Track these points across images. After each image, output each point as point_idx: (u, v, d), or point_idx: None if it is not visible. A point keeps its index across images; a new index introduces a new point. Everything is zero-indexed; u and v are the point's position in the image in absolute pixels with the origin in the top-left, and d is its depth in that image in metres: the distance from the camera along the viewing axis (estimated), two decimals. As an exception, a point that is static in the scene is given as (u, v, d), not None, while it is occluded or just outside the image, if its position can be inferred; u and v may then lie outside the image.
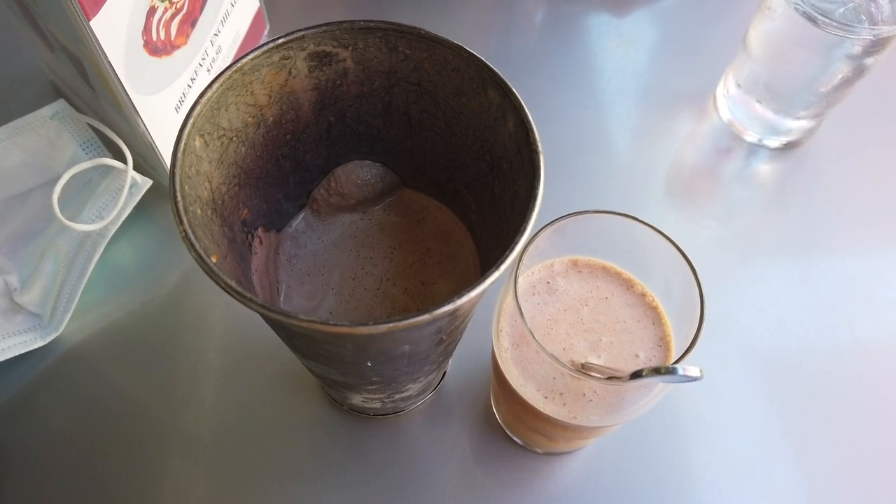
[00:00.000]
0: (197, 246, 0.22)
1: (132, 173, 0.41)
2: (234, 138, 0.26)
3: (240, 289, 0.21)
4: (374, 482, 0.38)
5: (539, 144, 0.24)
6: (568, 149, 0.49)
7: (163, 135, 0.40)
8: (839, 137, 0.49)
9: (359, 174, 0.32)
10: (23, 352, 0.39)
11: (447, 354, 0.32)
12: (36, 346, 0.39)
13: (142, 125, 0.38)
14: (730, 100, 0.49)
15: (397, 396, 0.34)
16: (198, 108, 0.24)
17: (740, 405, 0.40)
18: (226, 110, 0.25)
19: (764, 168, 0.49)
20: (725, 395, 0.40)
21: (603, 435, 0.37)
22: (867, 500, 0.38)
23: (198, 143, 0.24)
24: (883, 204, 0.47)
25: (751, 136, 0.49)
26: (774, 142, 0.48)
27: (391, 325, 0.20)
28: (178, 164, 0.23)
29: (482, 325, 0.39)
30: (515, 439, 0.39)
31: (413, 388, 0.34)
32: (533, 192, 0.23)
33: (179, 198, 0.23)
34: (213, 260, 0.23)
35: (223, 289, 0.21)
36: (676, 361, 0.26)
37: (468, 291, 0.21)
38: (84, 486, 0.37)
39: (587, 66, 0.53)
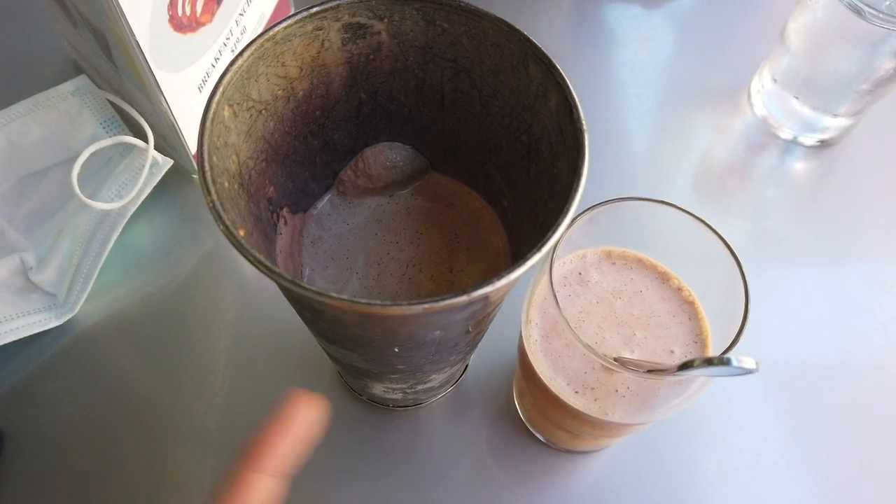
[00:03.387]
0: (225, 218, 0.21)
1: (153, 152, 0.40)
2: (263, 111, 0.25)
3: (269, 263, 0.20)
4: (391, 475, 0.36)
5: (584, 122, 0.23)
6: (595, 142, 0.47)
7: (185, 114, 0.39)
8: (877, 136, 0.48)
9: (387, 156, 0.31)
10: (37, 331, 0.38)
11: (473, 345, 0.31)
12: (50, 325, 0.38)
13: (164, 103, 0.37)
14: (765, 95, 0.47)
15: (420, 387, 0.33)
16: (227, 76, 0.23)
17: (770, 411, 0.39)
18: (256, 81, 0.24)
19: (798, 166, 0.47)
20: (754, 400, 0.39)
21: (630, 434, 0.36)
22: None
23: (227, 112, 0.23)
24: (921, 206, 0.46)
25: (786, 133, 0.47)
26: (810, 139, 0.47)
27: (427, 305, 0.19)
28: (207, 133, 0.22)
29: (506, 319, 0.38)
30: (538, 436, 0.37)
31: (436, 379, 0.33)
32: (577, 173, 0.22)
33: (207, 168, 0.22)
34: (241, 234, 0.22)
35: (252, 263, 0.20)
36: (725, 352, 0.25)
37: (508, 273, 0.20)
38: (91, 470, 0.36)
39: (617, 57, 0.51)
